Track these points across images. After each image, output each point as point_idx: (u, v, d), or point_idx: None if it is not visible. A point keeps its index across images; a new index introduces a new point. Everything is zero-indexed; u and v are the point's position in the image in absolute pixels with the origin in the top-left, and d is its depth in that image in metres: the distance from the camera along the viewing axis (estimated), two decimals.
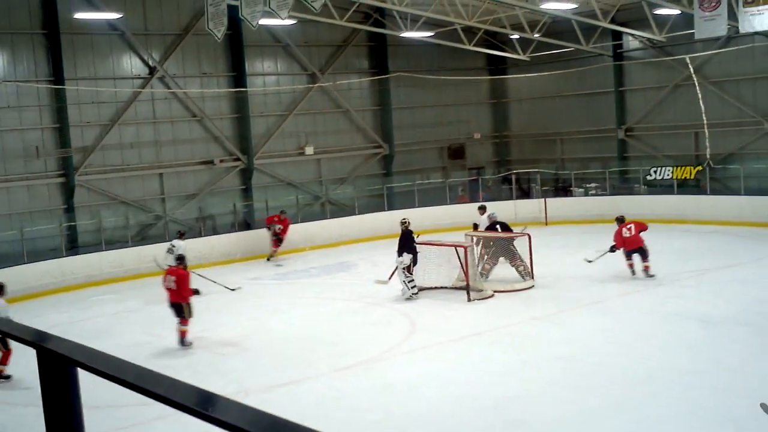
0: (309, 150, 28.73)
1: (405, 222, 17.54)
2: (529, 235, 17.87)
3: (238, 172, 27.35)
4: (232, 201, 26.51)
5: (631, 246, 17.55)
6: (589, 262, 18.35)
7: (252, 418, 1.63)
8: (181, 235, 20.24)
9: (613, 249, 17.90)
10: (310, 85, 28.74)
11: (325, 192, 28.99)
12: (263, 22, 21.21)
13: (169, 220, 25.43)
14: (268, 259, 23.11)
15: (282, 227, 23.17)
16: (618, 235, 17.78)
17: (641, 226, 17.78)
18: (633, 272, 17.59)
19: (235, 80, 26.95)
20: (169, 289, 14.28)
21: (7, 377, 12.65)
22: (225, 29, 19.74)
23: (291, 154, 28.62)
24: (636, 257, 17.50)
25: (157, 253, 19.92)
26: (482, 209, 19.97)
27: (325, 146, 29.26)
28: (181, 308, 14.16)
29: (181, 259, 15.14)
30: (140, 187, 25.33)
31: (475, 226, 19.55)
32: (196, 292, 15.08)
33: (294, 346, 14.05)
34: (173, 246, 19.23)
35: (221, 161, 26.80)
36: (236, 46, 26.56)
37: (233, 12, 19.60)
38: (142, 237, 24.65)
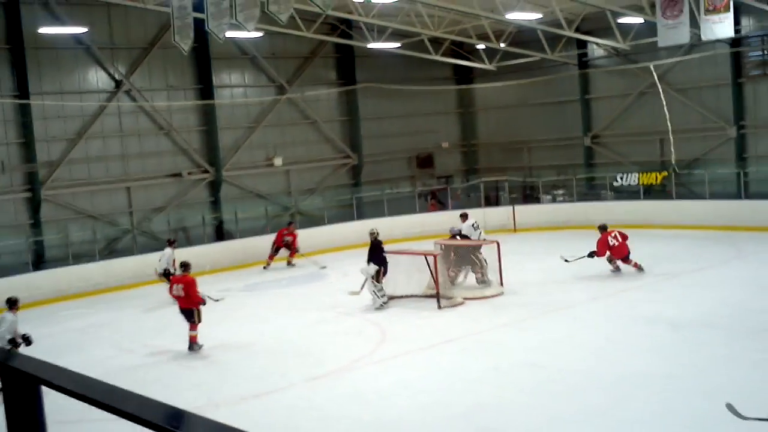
0: (278, 161, 28.70)
1: (373, 233, 17.61)
2: (497, 242, 17.99)
3: (206, 185, 27.25)
4: (201, 213, 26.38)
5: (618, 255, 18.00)
6: (566, 261, 18.64)
7: None
8: (170, 243, 20.18)
9: (591, 255, 18.14)
10: (278, 97, 28.74)
11: (295, 203, 28.96)
12: (230, 34, 21.16)
13: (138, 234, 25.28)
14: (265, 268, 23.43)
15: (292, 238, 23.58)
16: (603, 243, 18.06)
17: (625, 236, 18.22)
18: (618, 268, 18.46)
19: (202, 93, 26.87)
20: (177, 297, 14.66)
21: None
22: (191, 42, 19.63)
23: (260, 165, 28.57)
24: (620, 263, 18.07)
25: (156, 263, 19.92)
26: (464, 217, 19.87)
27: (293, 157, 29.23)
28: (191, 313, 14.48)
29: (185, 266, 15.12)
30: (107, 201, 25.13)
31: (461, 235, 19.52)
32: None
33: (265, 357, 14.02)
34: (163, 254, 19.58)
35: (189, 174, 26.69)
36: (203, 58, 26.49)
37: (200, 25, 19.52)
38: (110, 251, 24.46)
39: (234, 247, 24.15)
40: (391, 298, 17.05)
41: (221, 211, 26.94)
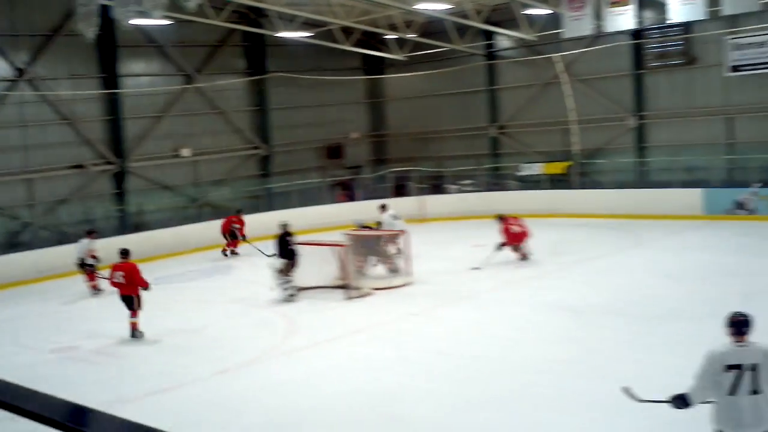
0: (185, 152, 28.28)
1: (283, 225, 17.45)
2: (406, 231, 18.16)
3: (111, 176, 26.66)
4: (106, 205, 25.80)
5: (522, 239, 18.35)
6: (478, 269, 18.52)
7: (127, 431, 1.64)
8: (89, 234, 19.68)
9: (500, 247, 18.44)
10: (186, 86, 28.30)
11: (203, 194, 28.60)
12: (136, 21, 20.78)
13: (39, 227, 24.58)
14: (224, 252, 23.45)
15: (239, 226, 23.42)
16: (506, 231, 18.35)
17: (523, 224, 18.65)
18: (525, 257, 18.76)
19: (107, 82, 26.24)
20: (118, 285, 14.67)
21: None
22: (96, 29, 19.23)
23: (167, 156, 28.10)
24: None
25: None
26: (383, 208, 19.85)
27: (202, 148, 28.86)
28: (131, 300, 14.55)
29: (126, 253, 15.05)
30: (7, 194, 24.32)
31: (378, 224, 19.54)
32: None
33: (171, 351, 13.83)
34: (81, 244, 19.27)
35: (94, 165, 26.06)
36: (108, 46, 25.84)
37: (105, 11, 19.09)
38: (11, 245, 23.71)
39: (140, 239, 23.69)
40: (300, 289, 17.02)
41: (127, 203, 26.41)
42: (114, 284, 14.87)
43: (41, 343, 14.78)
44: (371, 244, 18.37)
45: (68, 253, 21.64)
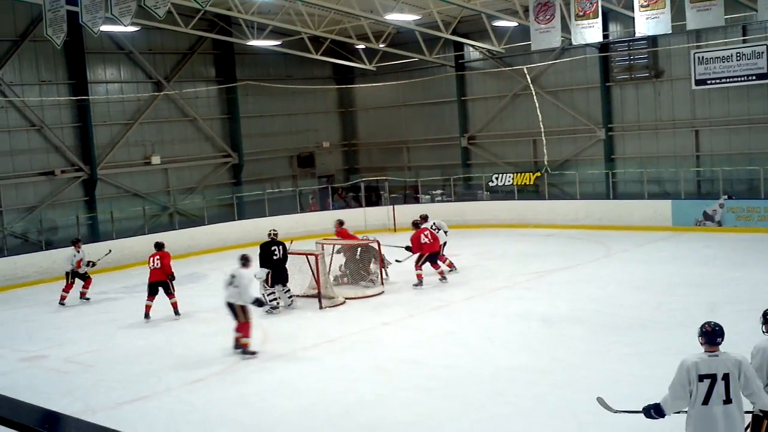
0: (156, 159, 28.12)
1: (269, 233, 17.15)
2: (378, 241, 18.22)
3: (80, 183, 26.43)
4: (75, 213, 25.56)
5: (428, 250, 18.15)
6: (399, 261, 18.86)
7: None
8: (74, 244, 19.42)
9: (408, 248, 18.44)
10: (156, 93, 28.15)
11: (173, 202, 28.44)
12: (105, 28, 20.61)
13: (8, 234, 24.31)
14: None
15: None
16: (416, 240, 18.23)
17: (436, 236, 18.36)
18: (421, 283, 18.01)
19: (75, 88, 26.02)
20: (153, 270, 16.59)
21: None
22: (65, 35, 19.02)
23: (137, 163, 27.92)
24: (427, 264, 18.19)
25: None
26: (423, 219, 19.33)
27: (172, 155, 28.72)
28: (166, 285, 16.65)
29: (161, 245, 17.03)
30: None
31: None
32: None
33: (142, 360, 13.74)
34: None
35: (63, 172, 25.82)
36: (77, 53, 25.67)
37: (73, 18, 18.94)
38: None
39: (112, 246, 23.47)
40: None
41: (96, 211, 26.19)
42: (152, 272, 16.61)
43: (10, 352, 14.63)
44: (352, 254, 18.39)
45: (37, 261, 21.53)
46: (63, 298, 18.81)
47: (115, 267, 22.74)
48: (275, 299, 16.63)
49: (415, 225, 18.72)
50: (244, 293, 13.36)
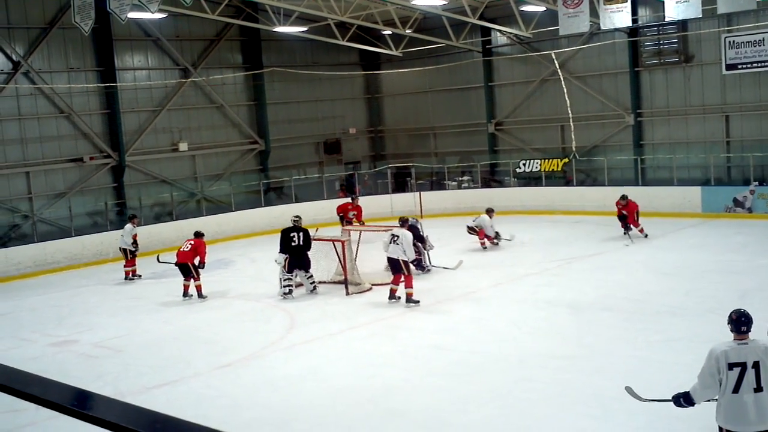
0: (183, 146, 28.26)
1: (293, 219, 17.19)
2: (414, 225, 18.05)
3: (109, 170, 26.63)
4: (104, 199, 25.77)
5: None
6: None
7: (133, 416, 1.64)
8: (131, 219, 20.39)
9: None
10: (183, 80, 28.26)
11: (201, 188, 28.58)
12: (132, 15, 20.75)
13: (38, 220, 24.57)
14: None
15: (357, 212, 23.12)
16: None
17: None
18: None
19: (104, 75, 26.18)
20: (181, 252, 17.04)
21: None
22: (92, 22, 19.16)
23: (164, 150, 28.08)
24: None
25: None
26: (489, 212, 20.82)
27: (199, 142, 28.85)
28: (187, 268, 16.90)
29: (200, 233, 17.58)
30: (5, 187, 24.29)
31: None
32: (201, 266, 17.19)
33: (171, 345, 13.86)
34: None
35: (91, 158, 26.03)
36: (105, 40, 25.83)
37: (101, 4, 19.04)
38: (9, 238, 23.70)
39: (139, 233, 23.64)
40: (299, 284, 17.00)
41: (125, 197, 26.39)
42: (179, 253, 17.02)
43: (40, 337, 14.80)
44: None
45: (66, 246, 21.76)
46: (127, 273, 19.69)
47: (143, 253, 22.83)
48: (290, 285, 16.59)
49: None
50: (408, 250, 15.06)
